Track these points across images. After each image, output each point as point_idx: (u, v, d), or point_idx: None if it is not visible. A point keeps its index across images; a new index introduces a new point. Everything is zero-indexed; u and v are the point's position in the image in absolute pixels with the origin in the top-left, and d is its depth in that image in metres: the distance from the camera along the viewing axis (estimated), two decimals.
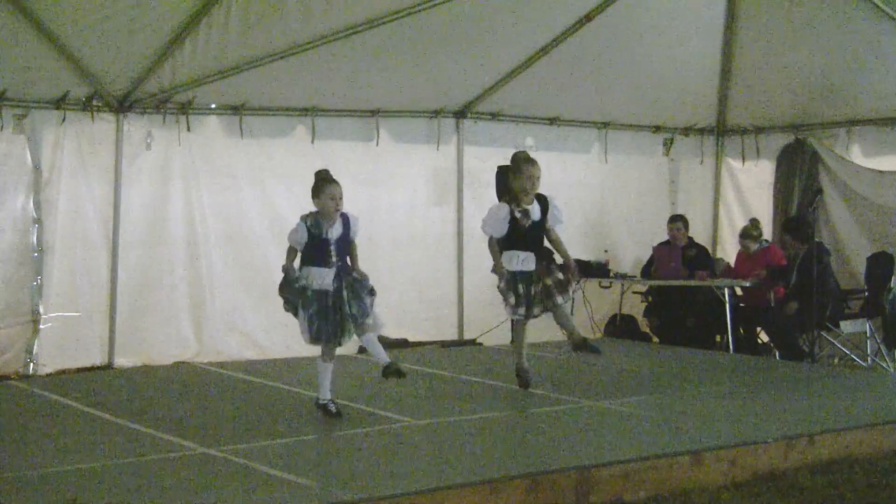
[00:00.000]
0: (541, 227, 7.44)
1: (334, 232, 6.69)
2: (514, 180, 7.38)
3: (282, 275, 6.81)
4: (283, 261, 6.83)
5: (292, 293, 6.71)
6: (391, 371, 6.69)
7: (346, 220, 6.75)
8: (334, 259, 6.67)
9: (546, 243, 7.55)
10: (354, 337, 6.78)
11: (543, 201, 7.44)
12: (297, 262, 6.80)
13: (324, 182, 6.71)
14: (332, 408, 6.72)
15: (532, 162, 7.36)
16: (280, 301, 6.86)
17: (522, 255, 7.35)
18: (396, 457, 5.76)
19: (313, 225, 6.68)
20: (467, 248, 10.91)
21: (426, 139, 10.86)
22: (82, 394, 7.45)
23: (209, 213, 9.76)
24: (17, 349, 8.94)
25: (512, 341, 10.32)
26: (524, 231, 7.35)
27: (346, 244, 6.75)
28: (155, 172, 9.55)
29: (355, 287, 6.69)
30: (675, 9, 10.09)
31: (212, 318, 9.75)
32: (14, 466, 5.35)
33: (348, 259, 6.80)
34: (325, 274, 6.63)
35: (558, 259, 7.67)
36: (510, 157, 7.51)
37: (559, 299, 7.38)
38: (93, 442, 5.99)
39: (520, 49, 10.15)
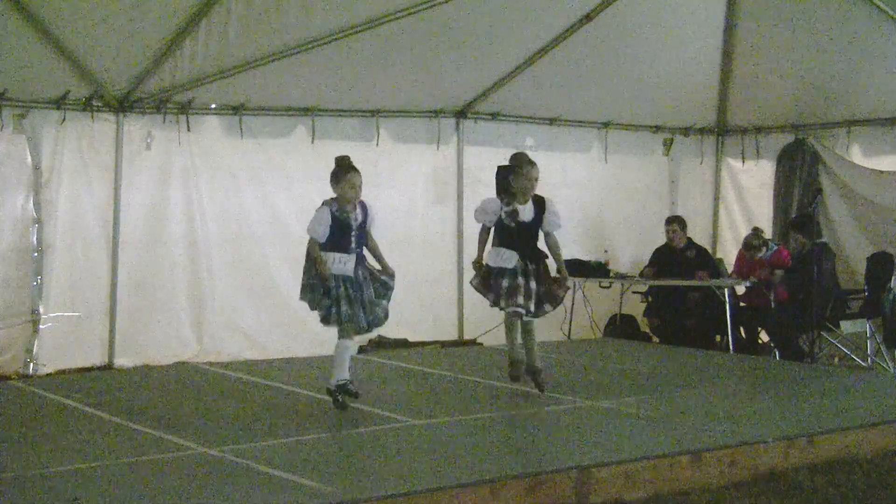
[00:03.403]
0: (532, 229, 7.35)
1: (356, 219, 6.68)
2: (513, 179, 7.36)
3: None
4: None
5: (315, 286, 6.62)
6: (339, 393, 6.60)
7: (364, 207, 6.75)
8: (354, 246, 6.67)
9: (543, 246, 7.50)
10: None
11: (540, 204, 7.35)
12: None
13: (345, 169, 6.66)
14: (351, 388, 6.63)
15: (532, 164, 7.32)
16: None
17: (506, 253, 7.30)
18: (396, 457, 5.75)
19: (338, 210, 6.64)
20: (467, 248, 10.86)
21: (426, 139, 10.86)
22: (82, 394, 7.43)
23: (209, 213, 9.76)
24: (17, 349, 8.95)
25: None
26: (511, 229, 7.33)
27: (364, 232, 6.75)
28: (155, 172, 9.56)
29: (378, 289, 6.70)
30: (675, 9, 10.09)
31: (212, 318, 9.75)
32: (14, 466, 5.34)
33: (367, 252, 6.78)
34: (345, 259, 6.60)
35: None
36: (510, 157, 7.48)
37: (546, 307, 7.35)
38: (93, 442, 5.97)
39: (520, 49, 10.15)
